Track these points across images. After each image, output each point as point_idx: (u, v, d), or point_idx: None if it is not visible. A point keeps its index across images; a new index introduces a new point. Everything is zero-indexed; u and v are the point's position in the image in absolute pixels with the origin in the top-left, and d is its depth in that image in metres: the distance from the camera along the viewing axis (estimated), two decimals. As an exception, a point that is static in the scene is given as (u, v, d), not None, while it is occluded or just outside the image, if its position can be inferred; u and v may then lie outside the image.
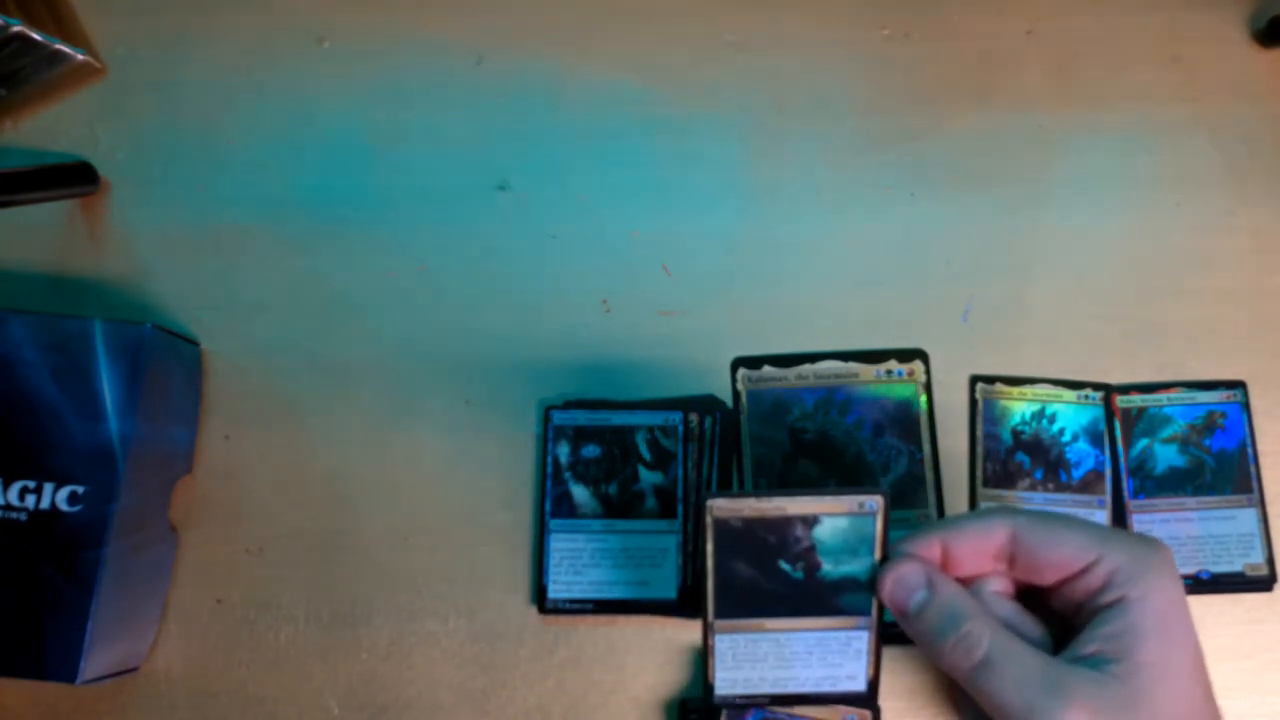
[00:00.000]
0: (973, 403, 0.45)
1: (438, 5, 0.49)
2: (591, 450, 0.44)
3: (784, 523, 0.33)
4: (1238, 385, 0.45)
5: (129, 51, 0.48)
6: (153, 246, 0.46)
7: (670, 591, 0.42)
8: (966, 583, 0.32)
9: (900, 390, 0.44)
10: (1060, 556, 0.31)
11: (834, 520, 0.33)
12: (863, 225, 0.46)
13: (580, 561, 0.42)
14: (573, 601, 0.42)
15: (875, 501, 0.32)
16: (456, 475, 0.44)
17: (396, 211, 0.47)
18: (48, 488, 0.38)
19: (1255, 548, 0.43)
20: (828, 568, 0.33)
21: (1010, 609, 0.32)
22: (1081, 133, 0.47)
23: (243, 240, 0.46)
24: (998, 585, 0.33)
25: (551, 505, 0.43)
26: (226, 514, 0.44)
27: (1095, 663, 0.29)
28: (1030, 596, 0.33)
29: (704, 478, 0.43)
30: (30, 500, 0.38)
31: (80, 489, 0.38)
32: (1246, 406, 0.45)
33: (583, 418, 0.44)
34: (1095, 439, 0.44)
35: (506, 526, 0.44)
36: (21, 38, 0.43)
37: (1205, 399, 0.45)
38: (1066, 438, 0.44)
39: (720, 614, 0.34)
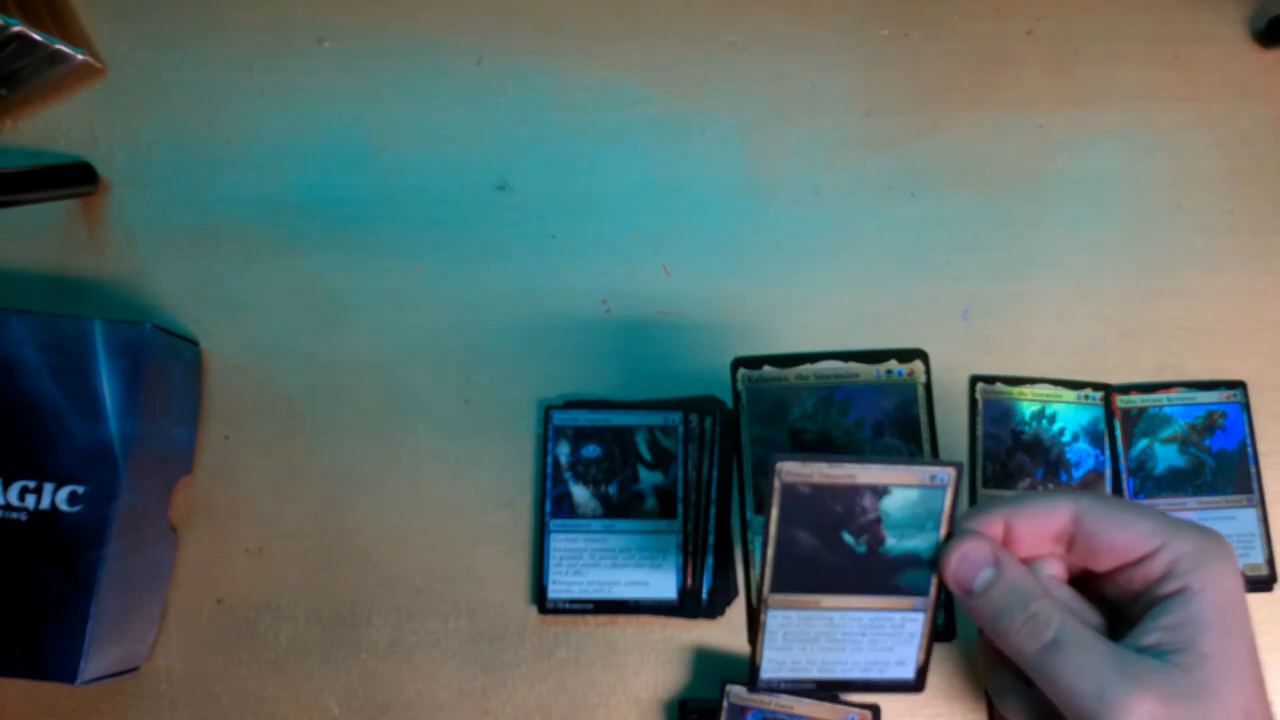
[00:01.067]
0: (973, 403, 0.45)
1: (438, 5, 0.49)
2: (591, 450, 0.44)
3: (852, 491, 0.31)
4: (1238, 385, 0.45)
5: (129, 51, 0.48)
6: (153, 246, 0.46)
7: (670, 591, 0.42)
8: (1024, 564, 0.32)
9: (900, 390, 0.44)
10: (1124, 541, 0.30)
11: (904, 492, 0.31)
12: (863, 225, 0.46)
13: (580, 561, 0.42)
14: (573, 601, 0.42)
15: (948, 474, 0.31)
16: (456, 475, 0.44)
17: (396, 211, 0.47)
18: (48, 488, 0.38)
19: (1255, 548, 0.43)
20: (891, 542, 0.32)
21: (1067, 593, 0.32)
22: (1081, 133, 0.47)
23: (243, 240, 0.46)
24: (1053, 569, 0.32)
25: (551, 505, 0.43)
26: (226, 514, 0.44)
27: (1158, 653, 0.29)
28: (1082, 582, 0.32)
29: (704, 478, 0.43)
30: (30, 500, 0.38)
31: (80, 489, 0.38)
32: (1246, 406, 0.45)
33: (583, 418, 0.44)
34: (1095, 439, 0.44)
35: (506, 526, 0.44)
36: (21, 38, 0.43)
37: (1205, 399, 0.45)
38: (1066, 438, 0.44)
39: (776, 587, 0.32)
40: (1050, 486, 0.44)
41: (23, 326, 0.39)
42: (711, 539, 0.43)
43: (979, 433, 0.44)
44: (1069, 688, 0.28)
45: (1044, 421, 0.44)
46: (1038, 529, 0.31)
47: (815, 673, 0.33)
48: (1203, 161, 0.47)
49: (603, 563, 0.42)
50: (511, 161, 0.47)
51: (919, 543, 0.32)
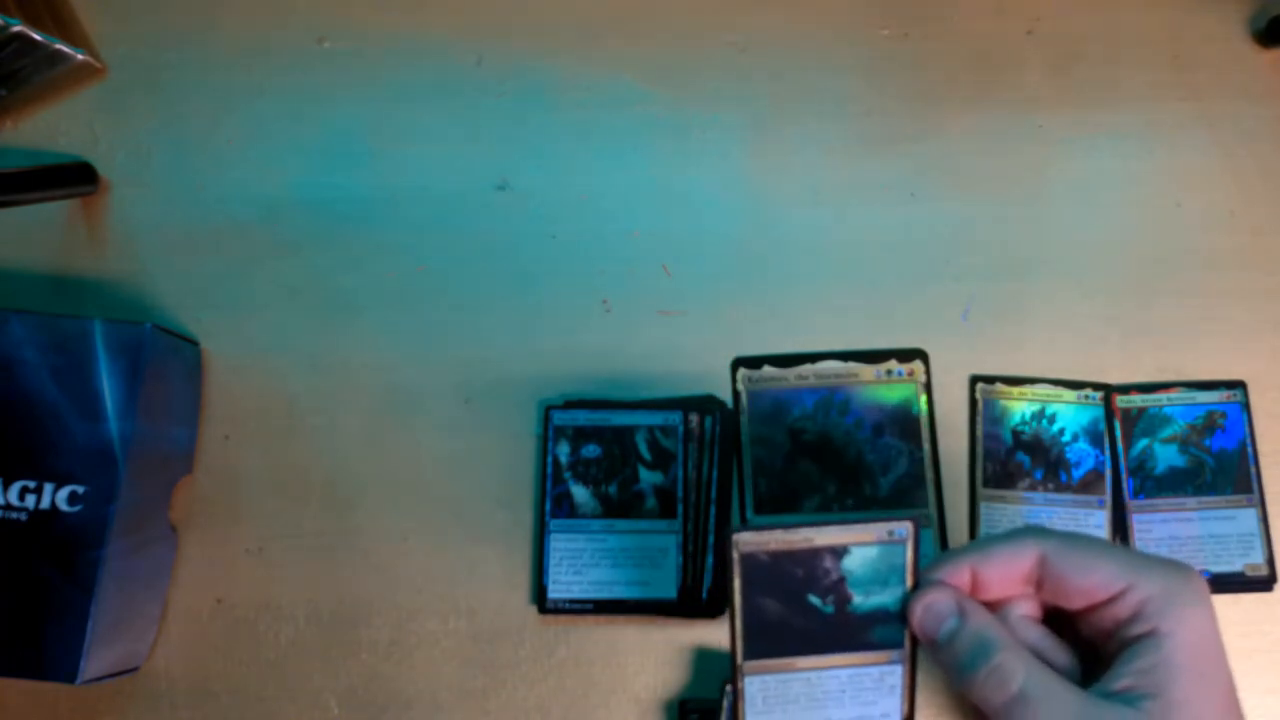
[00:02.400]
0: (973, 403, 0.45)
1: (438, 5, 0.49)
2: (591, 450, 0.44)
3: (812, 554, 0.32)
4: (1238, 385, 0.45)
5: (129, 51, 0.48)
6: (153, 246, 0.46)
7: (670, 591, 0.42)
8: (994, 607, 0.32)
9: (900, 390, 0.44)
10: (1090, 584, 0.30)
11: (863, 550, 0.32)
12: (863, 225, 0.46)
13: (580, 561, 0.42)
14: (573, 601, 0.42)
15: (905, 528, 0.32)
16: (456, 475, 0.44)
17: (396, 211, 0.47)
18: (48, 488, 0.38)
19: (1255, 548, 0.43)
20: (858, 600, 0.32)
21: (1038, 634, 0.32)
22: (1081, 133, 0.47)
23: (243, 240, 0.46)
24: (1025, 609, 0.32)
25: (551, 505, 0.43)
26: (226, 514, 0.44)
27: (1128, 699, 0.28)
28: (1058, 620, 0.32)
29: (704, 478, 0.43)
30: (30, 500, 0.38)
31: (80, 489, 0.38)
32: (1246, 406, 0.45)
33: (583, 418, 0.44)
34: (1095, 439, 0.44)
35: (506, 526, 0.44)
36: (21, 38, 0.43)
37: (1205, 399, 0.45)
38: (1066, 438, 0.44)
39: (749, 654, 0.32)
40: (1050, 486, 0.44)
41: (23, 326, 0.39)
42: (711, 539, 0.43)
43: (979, 433, 0.44)
44: None
45: (1044, 421, 0.44)
46: (1004, 573, 0.31)
47: None
48: (1203, 161, 0.47)
49: (603, 563, 0.42)
50: (511, 161, 0.47)
51: (885, 598, 0.32)
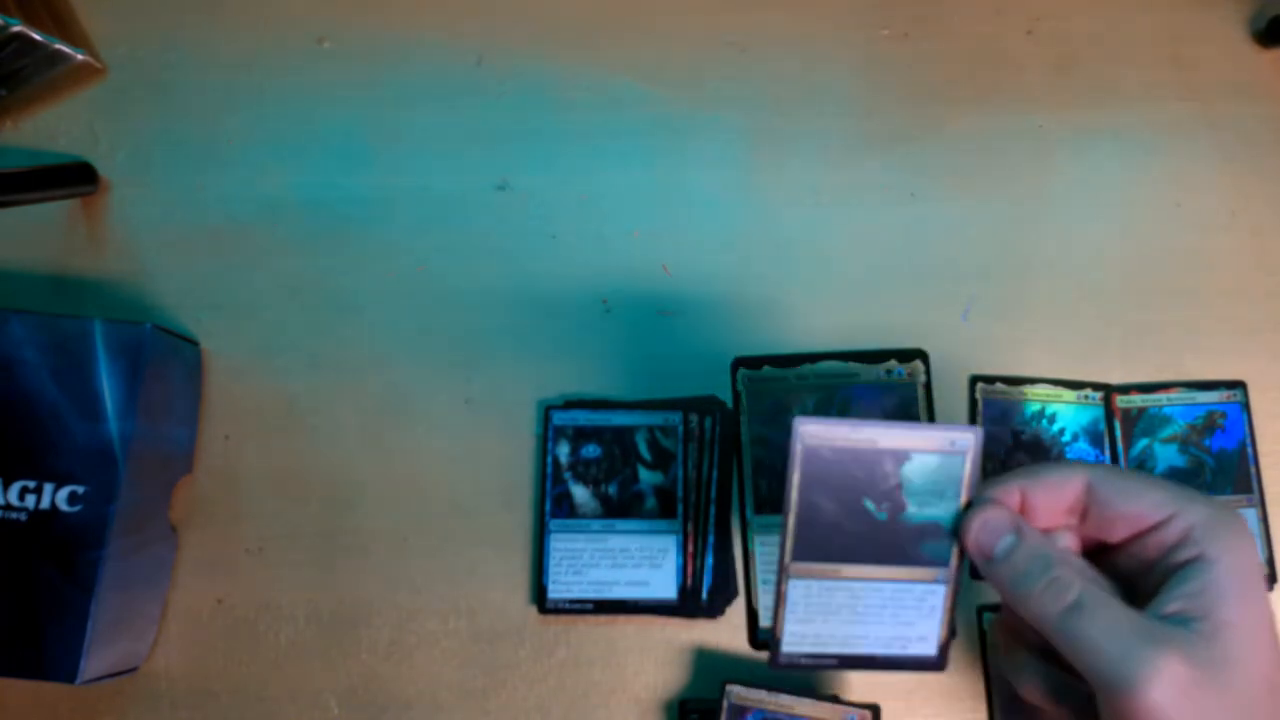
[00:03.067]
0: (973, 403, 0.45)
1: (438, 5, 0.49)
2: (591, 450, 0.44)
3: (874, 456, 0.31)
4: (1238, 385, 0.45)
5: (129, 51, 0.48)
6: (153, 246, 0.46)
7: (670, 591, 0.42)
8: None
9: (900, 390, 0.44)
10: (1137, 509, 0.30)
11: (924, 458, 0.31)
12: (863, 225, 0.46)
13: (580, 561, 0.42)
14: (573, 601, 0.42)
15: (967, 440, 0.31)
16: (456, 475, 0.44)
17: (396, 211, 0.47)
18: (48, 488, 0.38)
19: (1255, 548, 0.43)
20: (912, 509, 0.32)
21: (1081, 564, 0.32)
22: (1081, 133, 0.47)
23: (243, 240, 0.46)
24: (1067, 541, 0.32)
25: (551, 505, 0.43)
26: (226, 514, 0.44)
27: (1178, 620, 0.28)
28: (1095, 556, 0.32)
29: (704, 478, 0.43)
30: (30, 500, 0.38)
31: (80, 489, 0.38)
32: (1246, 406, 0.45)
33: (583, 418, 0.44)
34: (1095, 439, 0.44)
35: (506, 526, 0.44)
36: (21, 38, 0.43)
37: (1205, 399, 0.45)
38: (1066, 438, 0.44)
39: (798, 555, 0.32)
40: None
41: (23, 326, 0.39)
42: (711, 539, 0.43)
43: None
44: (1093, 649, 0.28)
45: (1044, 421, 0.44)
46: (1052, 499, 0.32)
47: (837, 648, 0.32)
48: (1203, 161, 0.47)
49: (603, 563, 0.42)
50: (511, 161, 0.47)
51: (939, 511, 0.32)
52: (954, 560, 0.32)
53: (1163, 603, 0.29)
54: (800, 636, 0.32)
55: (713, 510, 0.43)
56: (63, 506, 0.38)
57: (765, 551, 0.43)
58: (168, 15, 0.48)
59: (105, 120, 0.47)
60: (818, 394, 0.44)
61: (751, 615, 0.43)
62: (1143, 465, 0.44)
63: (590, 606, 0.42)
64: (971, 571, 0.42)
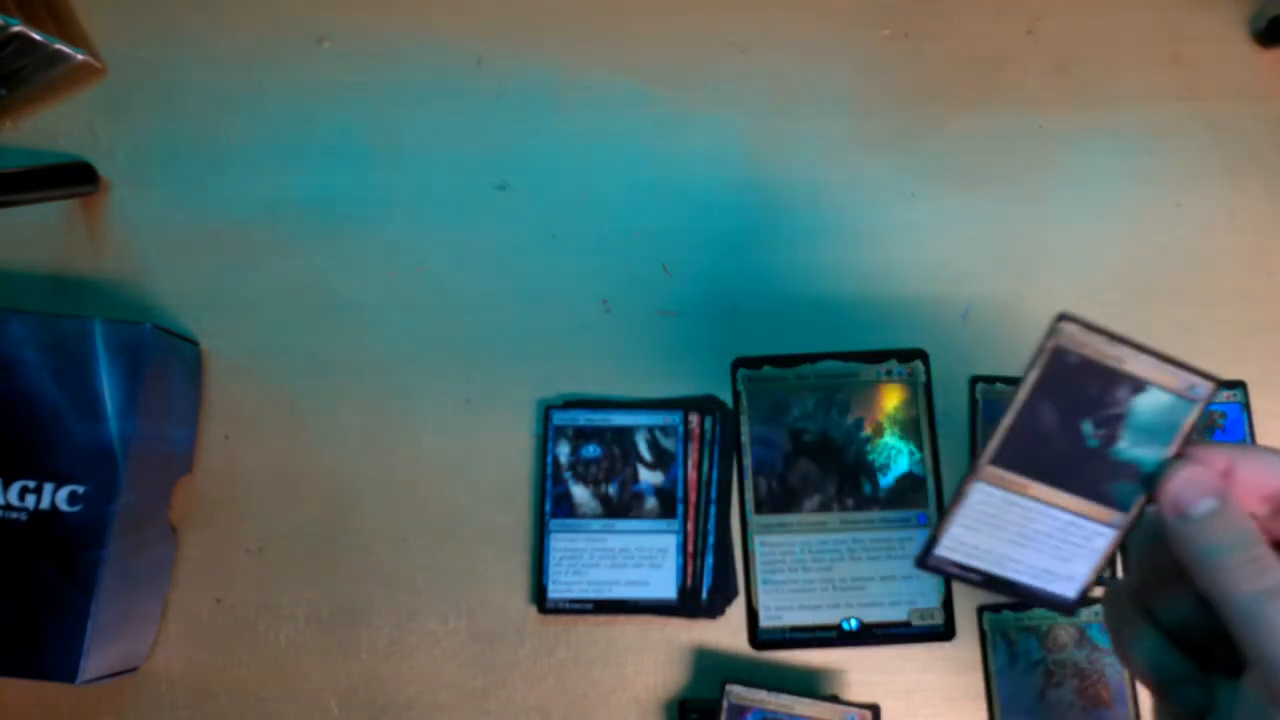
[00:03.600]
0: (973, 403, 0.45)
1: (438, 5, 0.49)
2: (591, 450, 0.44)
3: (1115, 377, 0.30)
4: (1238, 385, 0.45)
5: (129, 51, 0.48)
6: (153, 246, 0.46)
7: (670, 591, 0.42)
8: None
9: (900, 390, 0.44)
10: None
11: (1159, 394, 0.30)
12: (863, 225, 0.46)
13: (580, 561, 0.42)
14: (572, 601, 0.42)
15: (1204, 388, 0.30)
16: (456, 475, 0.44)
17: (396, 211, 0.47)
18: (48, 488, 0.38)
19: (1255, 548, 0.43)
20: (1124, 444, 0.30)
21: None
22: (1081, 133, 0.47)
23: (243, 240, 0.46)
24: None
25: (551, 505, 0.43)
26: (226, 514, 0.44)
27: None
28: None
29: (704, 478, 0.43)
30: (30, 500, 0.38)
31: (80, 489, 0.38)
32: (1246, 406, 0.45)
33: (583, 418, 0.44)
34: (1095, 439, 0.44)
35: (506, 526, 0.44)
36: (21, 38, 0.43)
37: (1205, 399, 0.44)
38: (1066, 438, 0.44)
39: (999, 459, 0.31)
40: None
41: (23, 326, 0.39)
42: (711, 539, 0.43)
43: (979, 433, 0.44)
44: None
45: (1044, 421, 0.44)
46: (1258, 481, 0.30)
47: (985, 565, 0.31)
48: (1203, 161, 0.47)
49: (602, 563, 0.42)
50: (511, 161, 0.47)
51: (1147, 454, 0.31)
52: (1135, 509, 0.31)
53: None
54: (958, 543, 0.31)
55: (713, 510, 0.43)
56: (63, 506, 0.38)
57: (765, 551, 0.43)
58: (168, 15, 0.48)
59: (105, 120, 0.47)
60: (817, 394, 0.44)
61: (751, 615, 0.43)
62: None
63: (590, 606, 0.42)
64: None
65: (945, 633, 0.42)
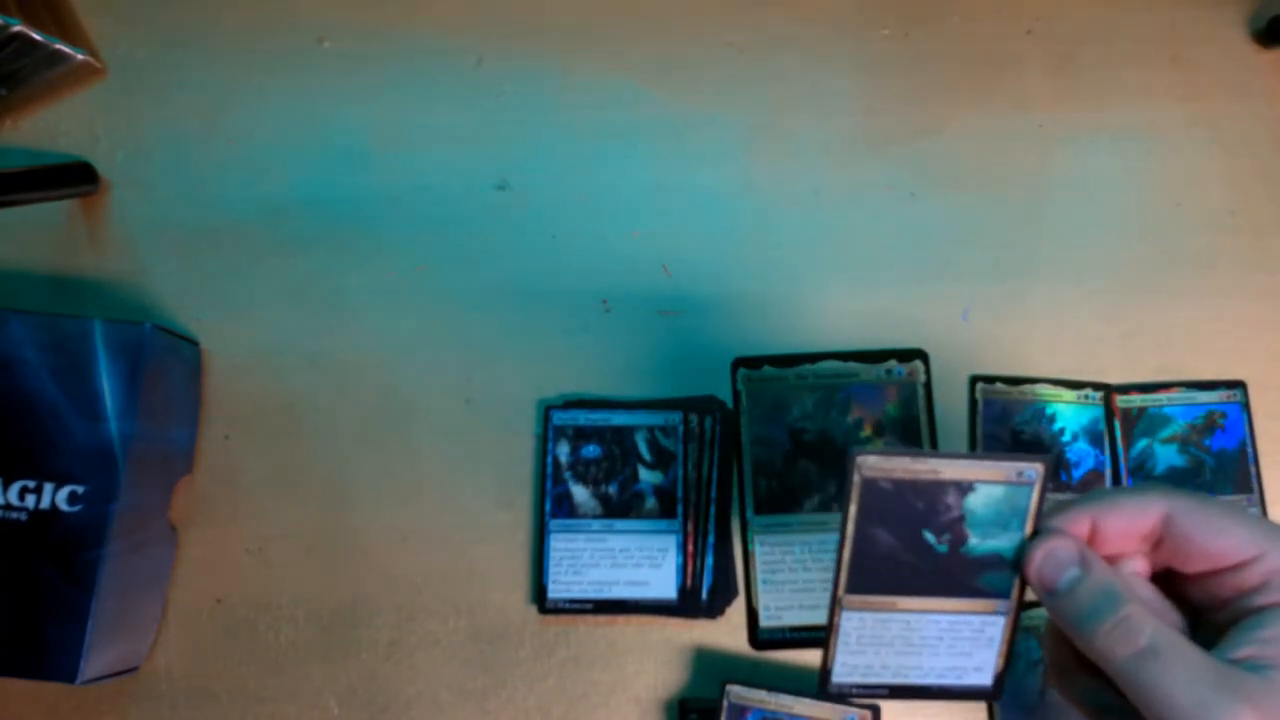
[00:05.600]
0: (973, 403, 0.45)
1: (438, 5, 0.49)
2: (591, 450, 0.44)
3: (936, 488, 0.30)
4: (1238, 385, 0.45)
5: (129, 51, 0.48)
6: (153, 246, 0.46)
7: (670, 591, 0.42)
8: (1107, 561, 0.30)
9: (900, 390, 0.44)
10: (1220, 548, 0.28)
11: (989, 489, 0.30)
12: (863, 225, 0.46)
13: (580, 561, 0.42)
14: (573, 601, 0.42)
15: (1035, 470, 0.30)
16: (456, 475, 0.44)
17: (396, 211, 0.47)
18: (48, 488, 0.38)
19: (1255, 548, 0.43)
20: (974, 541, 0.30)
21: (1149, 592, 0.30)
22: (1081, 133, 0.47)
23: (243, 240, 0.46)
24: (1136, 566, 0.31)
25: (551, 505, 0.43)
26: (226, 514, 0.44)
27: (1251, 666, 0.27)
28: (1163, 580, 0.31)
29: (704, 478, 0.43)
30: (30, 500, 0.38)
31: (80, 489, 0.38)
32: (1246, 406, 0.45)
33: (583, 418, 0.44)
34: (1095, 439, 0.44)
35: (506, 526, 0.44)
36: (21, 38, 0.43)
37: (1205, 399, 0.45)
38: (1066, 437, 0.44)
39: (853, 588, 0.31)
40: (1050, 486, 0.44)
41: (23, 326, 0.39)
42: (711, 539, 0.43)
43: (979, 433, 0.44)
44: (1165, 699, 0.27)
45: (1044, 421, 0.44)
46: (1126, 528, 0.30)
47: (889, 678, 0.32)
48: (1203, 161, 0.47)
49: (602, 563, 0.42)
50: (511, 161, 0.47)
51: (1002, 542, 0.30)
52: (1015, 592, 0.31)
53: (1235, 644, 0.28)
54: (851, 667, 0.31)
55: (713, 510, 0.43)
56: (63, 506, 0.38)
57: (765, 551, 0.43)
58: (168, 15, 0.48)
59: (105, 120, 0.47)
60: (817, 394, 0.44)
61: (751, 615, 0.43)
62: (1142, 465, 0.44)
63: (590, 606, 0.42)
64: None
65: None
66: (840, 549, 0.30)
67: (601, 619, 0.43)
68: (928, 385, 0.45)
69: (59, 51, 0.45)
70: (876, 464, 0.30)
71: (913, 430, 0.44)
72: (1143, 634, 0.28)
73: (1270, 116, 0.48)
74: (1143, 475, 0.44)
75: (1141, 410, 0.45)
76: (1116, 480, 0.44)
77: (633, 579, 0.42)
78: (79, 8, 0.48)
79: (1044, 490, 0.30)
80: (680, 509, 0.43)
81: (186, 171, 0.47)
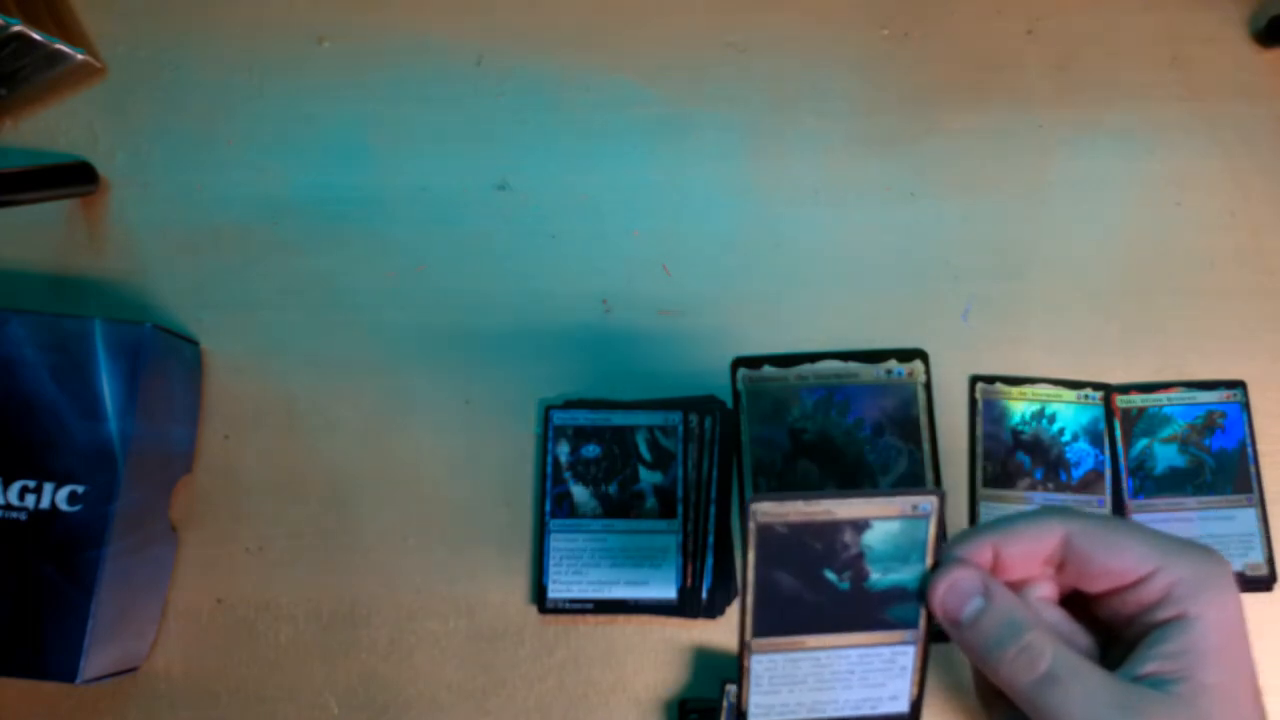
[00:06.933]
0: (973, 403, 0.45)
1: (438, 5, 0.49)
2: (591, 450, 0.44)
3: (832, 528, 0.30)
4: (1238, 385, 0.45)
5: (129, 51, 0.48)
6: (153, 246, 0.46)
7: (670, 591, 0.42)
8: (1013, 587, 0.31)
9: (900, 390, 0.44)
10: (1118, 565, 0.29)
11: (885, 525, 0.30)
12: (863, 225, 0.46)
13: (580, 561, 0.42)
14: (572, 601, 0.42)
15: (930, 503, 0.30)
16: (456, 475, 0.44)
17: (396, 211, 0.47)
18: (48, 488, 0.38)
19: (1255, 547, 0.43)
20: (875, 576, 0.31)
21: (1057, 616, 0.31)
22: (1081, 133, 0.47)
23: (243, 240, 0.46)
24: (1044, 590, 0.31)
25: (551, 505, 0.43)
26: (226, 514, 0.44)
27: (1155, 682, 0.27)
28: (1074, 603, 0.31)
29: (704, 478, 0.43)
30: (30, 500, 0.38)
31: (80, 489, 0.38)
32: (1246, 406, 0.45)
33: (583, 418, 0.44)
34: (1095, 439, 0.44)
35: (506, 526, 0.44)
36: (21, 38, 0.43)
37: (1205, 399, 0.45)
38: (1066, 437, 0.44)
39: (759, 631, 0.31)
40: (1049, 486, 0.44)
41: (23, 326, 0.39)
42: (711, 539, 0.43)
43: (979, 433, 0.44)
44: None
45: (1044, 421, 0.44)
46: (1027, 553, 0.30)
47: (805, 714, 0.32)
48: (1203, 161, 0.47)
49: (602, 562, 0.42)
50: (511, 161, 0.47)
51: (904, 575, 0.31)
52: (922, 621, 0.31)
53: (1140, 662, 0.28)
54: (767, 708, 0.32)
55: (713, 510, 0.43)
56: (63, 506, 0.38)
57: (765, 551, 0.43)
58: (168, 15, 0.48)
59: (105, 120, 0.47)
60: (817, 394, 0.44)
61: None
62: (1142, 465, 0.44)
63: (590, 606, 0.42)
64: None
65: (943, 635, 0.42)
66: (742, 595, 0.31)
67: (601, 619, 0.43)
68: (928, 385, 0.45)
69: (59, 51, 0.45)
70: (770, 509, 0.30)
71: (913, 430, 0.44)
72: (1044, 659, 0.28)
73: (1270, 116, 0.48)
74: (1142, 475, 0.44)
75: (1141, 410, 0.45)
76: (1116, 480, 0.44)
77: (632, 579, 0.42)
78: (79, 8, 0.48)
79: (941, 523, 0.31)
80: (680, 509, 0.43)
81: (186, 171, 0.47)
